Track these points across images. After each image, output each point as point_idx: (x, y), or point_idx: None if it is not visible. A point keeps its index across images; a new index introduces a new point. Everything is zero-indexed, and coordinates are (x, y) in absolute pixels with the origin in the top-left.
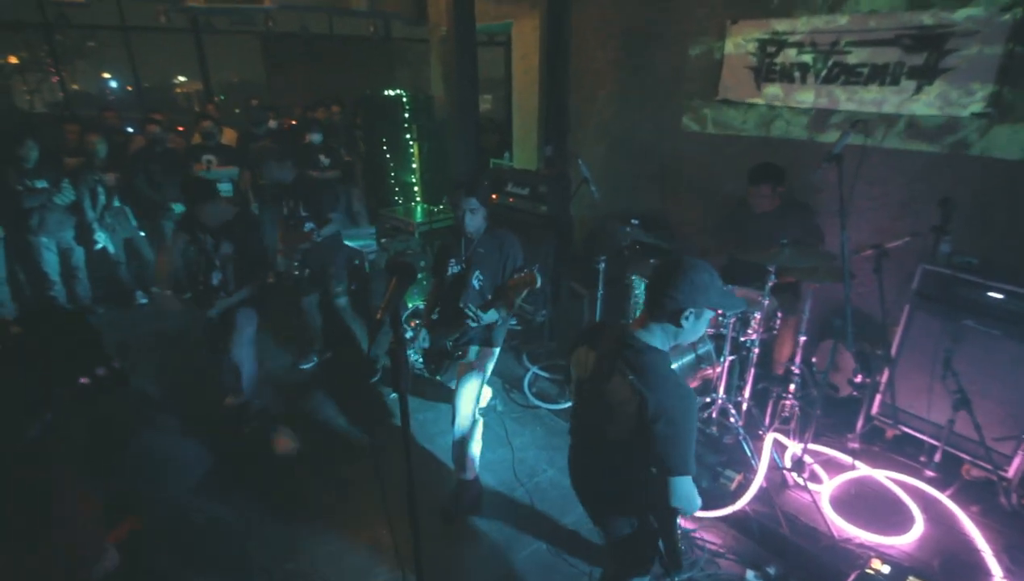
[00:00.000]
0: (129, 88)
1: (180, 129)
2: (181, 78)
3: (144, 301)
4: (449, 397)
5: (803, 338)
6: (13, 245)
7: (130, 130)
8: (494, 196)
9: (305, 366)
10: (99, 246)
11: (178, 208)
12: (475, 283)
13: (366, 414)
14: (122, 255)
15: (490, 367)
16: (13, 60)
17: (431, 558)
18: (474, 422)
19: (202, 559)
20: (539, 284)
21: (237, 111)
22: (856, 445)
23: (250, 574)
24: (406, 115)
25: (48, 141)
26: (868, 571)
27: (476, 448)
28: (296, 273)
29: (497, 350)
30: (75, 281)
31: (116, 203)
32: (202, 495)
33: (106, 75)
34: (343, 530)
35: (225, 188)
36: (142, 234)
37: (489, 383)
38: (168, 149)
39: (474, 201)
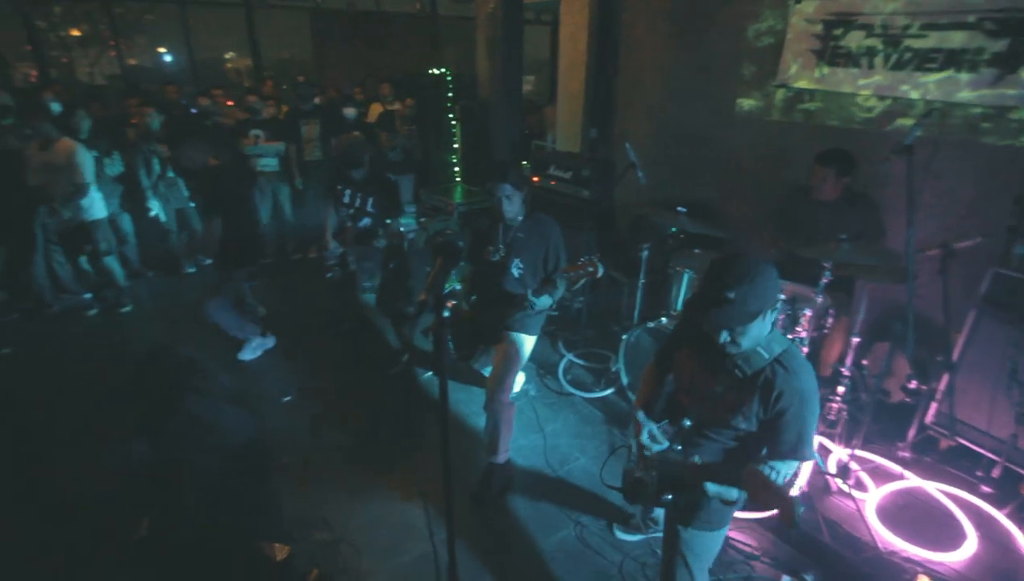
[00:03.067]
0: (183, 63)
1: (230, 104)
2: (231, 54)
3: (192, 270)
4: (482, 380)
5: (856, 339)
6: None
7: (184, 103)
8: (535, 178)
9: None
10: (152, 214)
11: None
12: (514, 271)
13: (398, 399)
14: (173, 224)
15: (527, 354)
16: (75, 33)
17: (460, 539)
18: (508, 407)
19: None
20: (600, 273)
21: (285, 87)
22: (907, 454)
23: (283, 541)
24: (449, 94)
25: (111, 113)
26: None
27: (508, 433)
28: (352, 267)
29: (535, 337)
30: (125, 246)
31: (170, 173)
32: (240, 463)
33: (161, 49)
34: (375, 505)
35: (271, 162)
36: (192, 205)
37: (523, 368)
38: (217, 122)
39: (508, 187)
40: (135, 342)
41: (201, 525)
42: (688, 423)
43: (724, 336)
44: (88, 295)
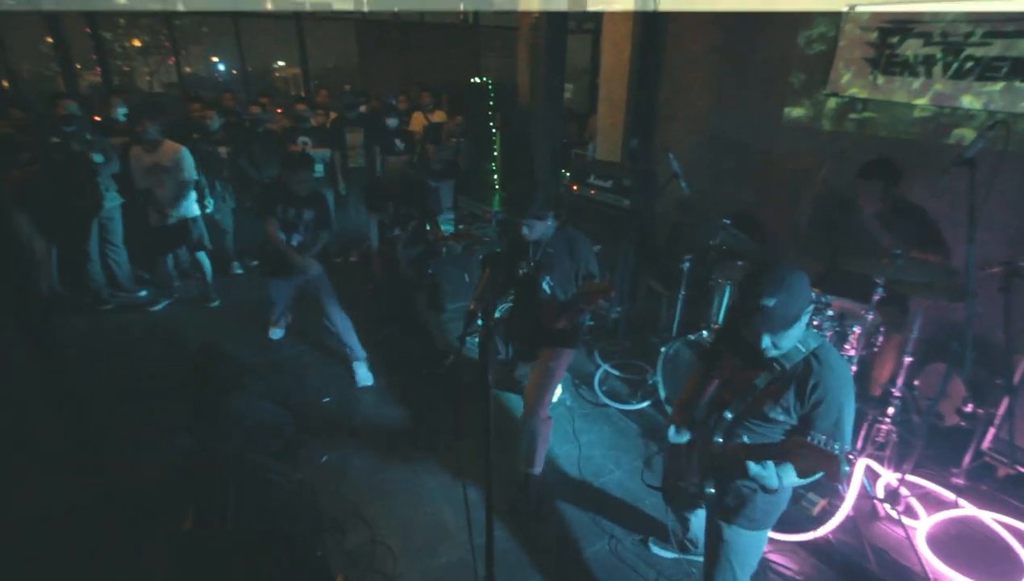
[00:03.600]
0: (234, 72)
1: (279, 111)
2: (280, 63)
3: (240, 271)
4: (521, 388)
5: (908, 359)
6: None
7: (238, 110)
8: (574, 186)
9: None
10: (209, 210)
11: None
12: (545, 287)
13: (440, 401)
14: (229, 224)
15: (564, 366)
16: (136, 43)
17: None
18: (545, 421)
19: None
20: (613, 293)
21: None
22: (961, 481)
23: (319, 537)
24: (491, 102)
25: (172, 118)
26: None
27: (545, 445)
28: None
29: (573, 351)
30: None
31: (226, 174)
32: (283, 459)
33: (214, 59)
34: (410, 506)
35: (317, 169)
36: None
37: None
38: (269, 130)
39: (530, 220)
40: (184, 339)
41: (242, 519)
42: (729, 415)
43: (766, 342)
44: (143, 293)
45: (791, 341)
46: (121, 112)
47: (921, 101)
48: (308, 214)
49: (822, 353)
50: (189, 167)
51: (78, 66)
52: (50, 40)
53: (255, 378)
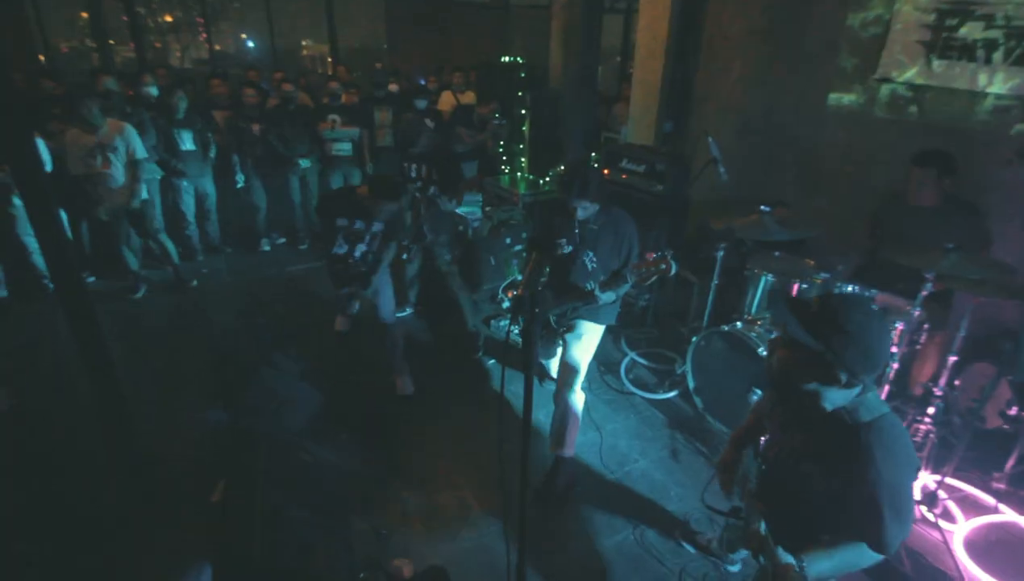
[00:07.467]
0: (268, 49)
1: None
2: (307, 41)
3: (267, 248)
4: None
5: (953, 358)
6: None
7: (264, 87)
8: (606, 170)
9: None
10: (239, 185)
11: (304, 163)
12: (588, 263)
13: (471, 384)
14: (262, 202)
15: (597, 343)
16: (169, 19)
17: (514, 533)
18: (578, 396)
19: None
20: (673, 272)
21: (354, 74)
22: (1002, 486)
23: (343, 515)
24: (521, 83)
25: (197, 95)
26: None
27: (576, 425)
28: (428, 238)
29: (604, 327)
30: (207, 222)
31: (259, 151)
32: (312, 436)
33: (243, 36)
34: (434, 489)
35: (345, 147)
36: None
37: None
38: (299, 107)
39: (586, 202)
40: (210, 315)
41: (272, 495)
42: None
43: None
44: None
45: (845, 398)
46: (153, 90)
47: (981, 88)
48: (377, 226)
49: (884, 424)
50: (138, 146)
51: (111, 42)
52: (85, 15)
53: (284, 355)
